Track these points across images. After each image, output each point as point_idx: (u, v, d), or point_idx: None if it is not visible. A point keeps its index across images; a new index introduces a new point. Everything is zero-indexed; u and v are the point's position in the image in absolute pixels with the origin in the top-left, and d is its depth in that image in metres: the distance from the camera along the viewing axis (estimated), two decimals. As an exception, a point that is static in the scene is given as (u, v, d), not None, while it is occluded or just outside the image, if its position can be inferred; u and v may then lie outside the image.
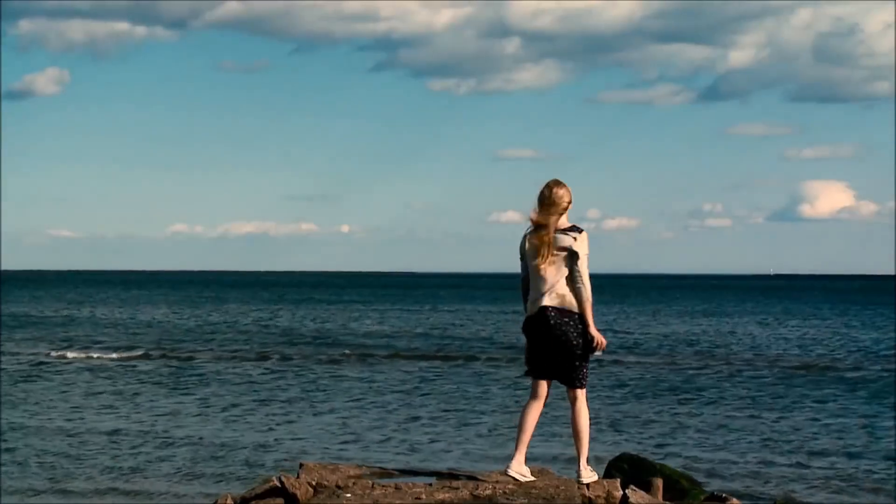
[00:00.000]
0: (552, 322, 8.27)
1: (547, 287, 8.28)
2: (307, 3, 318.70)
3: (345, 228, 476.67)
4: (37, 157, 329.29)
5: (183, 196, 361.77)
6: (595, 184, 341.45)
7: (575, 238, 8.24)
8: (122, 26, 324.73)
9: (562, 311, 8.26)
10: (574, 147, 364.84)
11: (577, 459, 8.51)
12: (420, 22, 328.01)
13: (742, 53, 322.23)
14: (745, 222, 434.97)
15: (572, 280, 8.26)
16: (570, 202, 8.31)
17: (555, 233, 8.26)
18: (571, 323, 8.26)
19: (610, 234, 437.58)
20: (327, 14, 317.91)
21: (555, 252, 8.24)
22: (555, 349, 8.32)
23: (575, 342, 8.27)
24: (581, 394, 8.42)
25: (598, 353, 8.34)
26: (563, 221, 8.29)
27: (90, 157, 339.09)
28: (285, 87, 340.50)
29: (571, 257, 8.23)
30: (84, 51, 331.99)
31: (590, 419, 8.54)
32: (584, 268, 8.23)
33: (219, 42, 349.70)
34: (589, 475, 8.46)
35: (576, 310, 8.27)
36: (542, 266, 8.28)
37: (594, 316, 8.29)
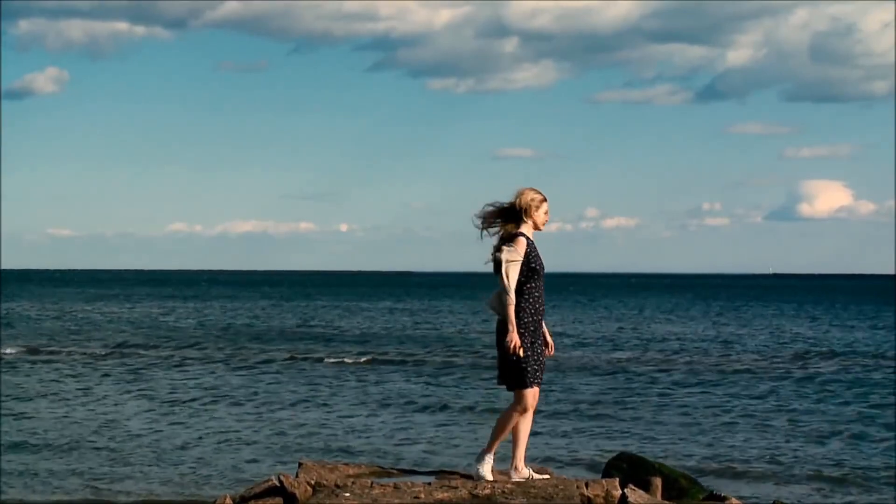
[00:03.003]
0: None
1: None
2: (306, 3, 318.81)
3: (343, 227, 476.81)
4: (37, 156, 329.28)
5: (182, 195, 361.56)
6: (593, 183, 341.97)
7: None
8: (122, 26, 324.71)
9: None
10: (572, 146, 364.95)
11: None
12: (419, 21, 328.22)
13: (740, 53, 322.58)
14: (744, 221, 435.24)
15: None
16: None
17: None
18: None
19: (608, 233, 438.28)
20: (326, 14, 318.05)
21: None
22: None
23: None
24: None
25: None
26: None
27: (90, 156, 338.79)
28: (284, 87, 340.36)
29: None
30: (84, 50, 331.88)
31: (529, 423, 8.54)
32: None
33: (218, 42, 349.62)
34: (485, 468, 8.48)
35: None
36: None
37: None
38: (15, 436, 20.55)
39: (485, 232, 8.42)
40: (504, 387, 8.45)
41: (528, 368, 8.27)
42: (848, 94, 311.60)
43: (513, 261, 8.22)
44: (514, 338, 8.17)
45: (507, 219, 8.37)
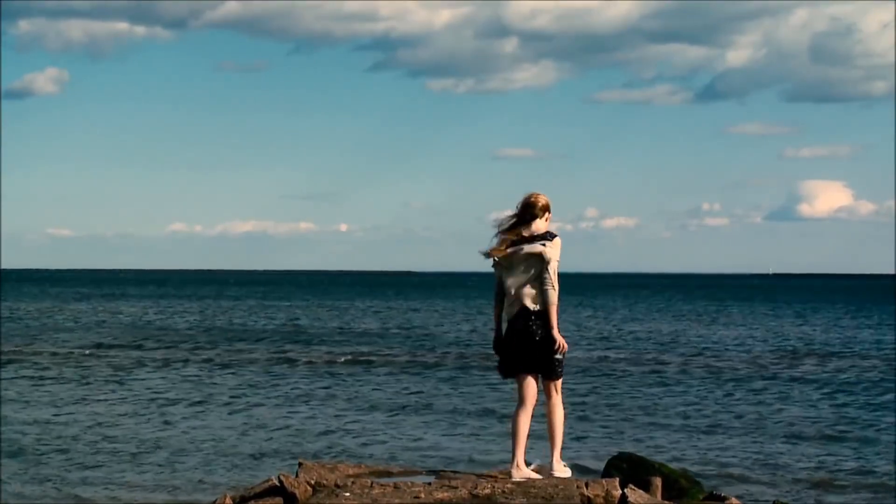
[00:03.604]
0: None
1: None
2: (306, 3, 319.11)
3: (343, 227, 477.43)
4: (37, 156, 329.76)
5: (182, 195, 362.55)
6: (593, 183, 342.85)
7: None
8: (122, 26, 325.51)
9: None
10: (572, 146, 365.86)
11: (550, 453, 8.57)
12: (418, 22, 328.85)
13: (739, 53, 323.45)
14: (744, 221, 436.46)
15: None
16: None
17: None
18: None
19: (608, 233, 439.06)
20: (326, 14, 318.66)
21: None
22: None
23: None
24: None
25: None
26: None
27: (90, 156, 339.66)
28: (284, 87, 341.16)
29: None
30: (83, 51, 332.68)
31: (564, 417, 8.61)
32: None
33: (218, 42, 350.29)
34: (562, 470, 8.52)
35: None
36: None
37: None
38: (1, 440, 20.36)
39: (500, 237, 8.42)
40: (505, 379, 8.55)
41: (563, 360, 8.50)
42: (848, 94, 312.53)
43: (557, 259, 8.29)
44: (559, 335, 8.29)
45: (524, 219, 8.36)
